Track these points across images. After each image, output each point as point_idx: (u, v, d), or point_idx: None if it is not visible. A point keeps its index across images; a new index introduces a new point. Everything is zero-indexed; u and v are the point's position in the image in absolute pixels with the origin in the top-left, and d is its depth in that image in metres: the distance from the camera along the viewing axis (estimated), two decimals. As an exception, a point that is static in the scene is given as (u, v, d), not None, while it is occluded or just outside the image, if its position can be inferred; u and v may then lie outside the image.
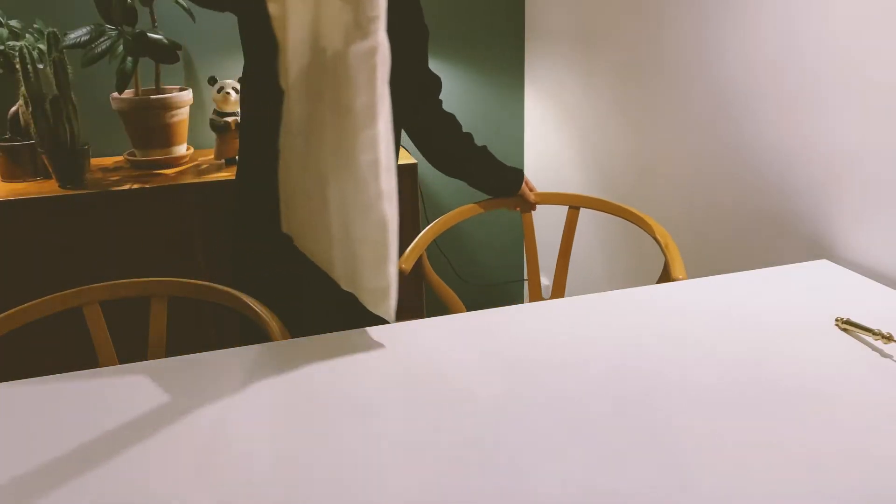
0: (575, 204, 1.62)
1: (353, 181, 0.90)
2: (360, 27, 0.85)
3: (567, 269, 1.64)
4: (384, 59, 0.86)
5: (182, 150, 2.17)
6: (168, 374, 0.93)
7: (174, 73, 2.25)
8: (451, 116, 1.50)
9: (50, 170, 2.01)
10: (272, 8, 0.92)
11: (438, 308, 2.74)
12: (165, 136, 2.11)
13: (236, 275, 1.39)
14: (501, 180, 1.60)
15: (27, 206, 1.91)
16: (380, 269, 0.93)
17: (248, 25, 1.26)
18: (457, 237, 2.62)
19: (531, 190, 1.63)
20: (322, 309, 1.38)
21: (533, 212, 1.66)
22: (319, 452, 0.76)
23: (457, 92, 2.45)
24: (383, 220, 0.90)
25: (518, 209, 1.65)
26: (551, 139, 2.37)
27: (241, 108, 1.38)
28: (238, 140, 1.39)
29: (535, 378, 0.90)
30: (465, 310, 1.26)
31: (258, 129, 1.30)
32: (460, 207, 1.60)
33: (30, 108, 1.93)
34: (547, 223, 2.25)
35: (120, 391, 0.89)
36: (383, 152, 0.89)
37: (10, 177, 2.06)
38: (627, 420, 0.81)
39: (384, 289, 0.93)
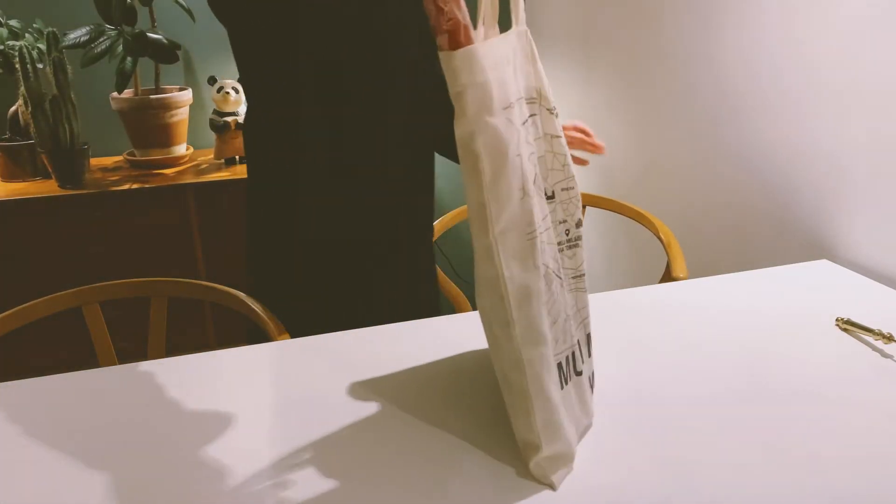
0: (582, 203, 1.62)
1: (486, 303, 0.74)
2: (455, 108, 0.68)
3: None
4: (492, 146, 0.68)
5: (182, 149, 2.18)
6: (168, 374, 0.93)
7: (174, 73, 2.25)
8: None
9: (50, 170, 2.01)
10: None
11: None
12: (165, 136, 2.12)
13: (251, 275, 1.38)
14: None
15: (27, 206, 1.92)
16: (526, 420, 0.73)
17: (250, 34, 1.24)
18: (457, 237, 2.62)
19: None
20: (322, 309, 1.37)
21: None
22: (320, 453, 0.76)
23: (457, 92, 2.45)
24: (517, 360, 0.71)
25: None
26: (551, 139, 2.37)
27: (248, 109, 1.36)
28: (242, 140, 1.37)
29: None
30: (472, 309, 1.26)
31: (269, 129, 1.29)
32: (460, 207, 1.60)
33: (30, 108, 1.93)
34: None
35: (120, 391, 0.89)
36: (510, 270, 0.72)
37: (10, 177, 2.07)
38: (626, 419, 0.81)
39: (532, 444, 0.73)
